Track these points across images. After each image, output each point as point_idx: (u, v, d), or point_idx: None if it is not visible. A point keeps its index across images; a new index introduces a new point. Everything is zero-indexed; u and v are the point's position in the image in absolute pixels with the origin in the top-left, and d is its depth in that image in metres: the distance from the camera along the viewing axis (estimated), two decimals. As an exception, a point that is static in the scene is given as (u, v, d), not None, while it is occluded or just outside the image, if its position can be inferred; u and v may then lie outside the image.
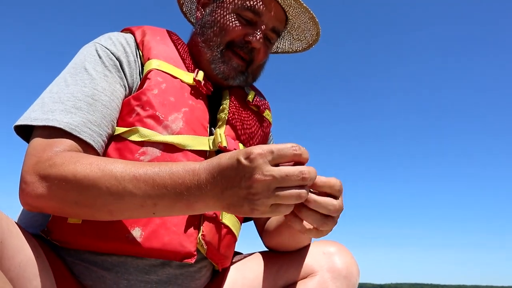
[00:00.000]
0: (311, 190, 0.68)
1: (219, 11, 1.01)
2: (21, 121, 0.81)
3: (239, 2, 0.99)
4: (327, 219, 0.70)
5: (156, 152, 0.86)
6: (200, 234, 0.88)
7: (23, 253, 0.73)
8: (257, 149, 0.63)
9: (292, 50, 1.22)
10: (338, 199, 0.70)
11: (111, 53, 0.92)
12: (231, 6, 1.00)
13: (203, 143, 0.92)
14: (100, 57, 0.90)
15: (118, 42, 0.94)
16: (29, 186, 0.73)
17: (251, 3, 0.98)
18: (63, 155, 0.75)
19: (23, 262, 0.72)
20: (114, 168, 0.71)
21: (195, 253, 0.87)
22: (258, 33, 0.98)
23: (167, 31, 1.06)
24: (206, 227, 0.89)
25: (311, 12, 1.04)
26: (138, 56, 0.96)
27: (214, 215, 0.90)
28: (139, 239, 0.82)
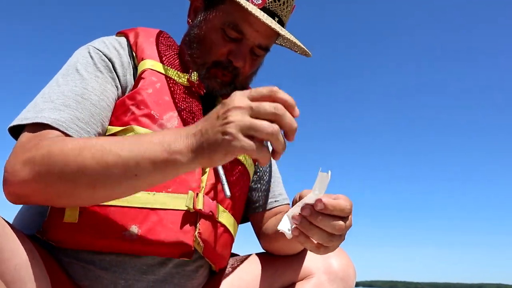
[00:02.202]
0: (320, 211, 0.69)
1: (205, 24, 0.97)
2: (14, 123, 0.82)
3: (223, 19, 0.94)
4: (333, 237, 0.70)
5: None
6: (196, 232, 0.88)
7: (19, 256, 0.72)
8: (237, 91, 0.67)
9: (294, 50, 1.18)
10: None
11: (104, 54, 0.92)
12: (216, 22, 0.95)
13: None
14: (92, 59, 0.91)
15: (111, 45, 0.95)
16: (11, 174, 0.73)
17: (236, 22, 0.93)
18: (50, 139, 0.76)
19: (18, 265, 0.72)
20: (100, 139, 0.74)
21: (193, 249, 0.87)
22: (241, 54, 0.95)
23: (161, 32, 1.06)
24: (203, 225, 0.89)
25: (294, 39, 0.99)
26: (132, 58, 0.96)
27: (210, 213, 0.90)
28: (136, 237, 0.82)
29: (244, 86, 1.05)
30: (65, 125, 0.79)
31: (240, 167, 1.01)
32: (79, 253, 0.85)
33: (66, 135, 0.79)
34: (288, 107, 0.63)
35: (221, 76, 0.97)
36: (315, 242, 0.72)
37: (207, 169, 0.93)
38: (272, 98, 0.64)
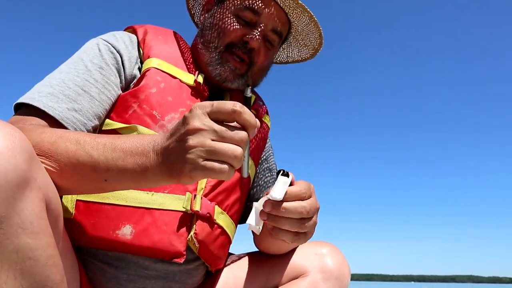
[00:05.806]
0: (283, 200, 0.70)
1: (220, 12, 1.02)
2: (17, 101, 0.81)
3: (238, 2, 1.00)
4: (304, 221, 0.72)
5: None
6: (192, 233, 0.88)
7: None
8: (198, 103, 0.64)
9: (301, 58, 1.22)
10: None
11: (113, 47, 0.93)
12: (231, 8, 1.00)
13: None
14: (99, 50, 0.91)
15: (121, 38, 0.96)
16: None
17: (250, 2, 0.98)
18: (33, 126, 0.73)
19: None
20: (78, 134, 0.69)
21: (184, 252, 0.87)
22: (257, 33, 0.98)
23: (171, 31, 1.07)
24: (199, 226, 0.89)
25: (309, 11, 1.03)
26: (139, 54, 0.97)
27: (207, 214, 0.90)
28: (129, 237, 0.82)
29: (255, 83, 1.07)
30: (62, 115, 0.79)
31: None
32: (82, 248, 0.85)
33: (61, 125, 0.79)
34: (249, 127, 0.62)
35: (234, 61, 0.99)
36: (291, 232, 0.73)
37: None
38: (234, 118, 0.61)
